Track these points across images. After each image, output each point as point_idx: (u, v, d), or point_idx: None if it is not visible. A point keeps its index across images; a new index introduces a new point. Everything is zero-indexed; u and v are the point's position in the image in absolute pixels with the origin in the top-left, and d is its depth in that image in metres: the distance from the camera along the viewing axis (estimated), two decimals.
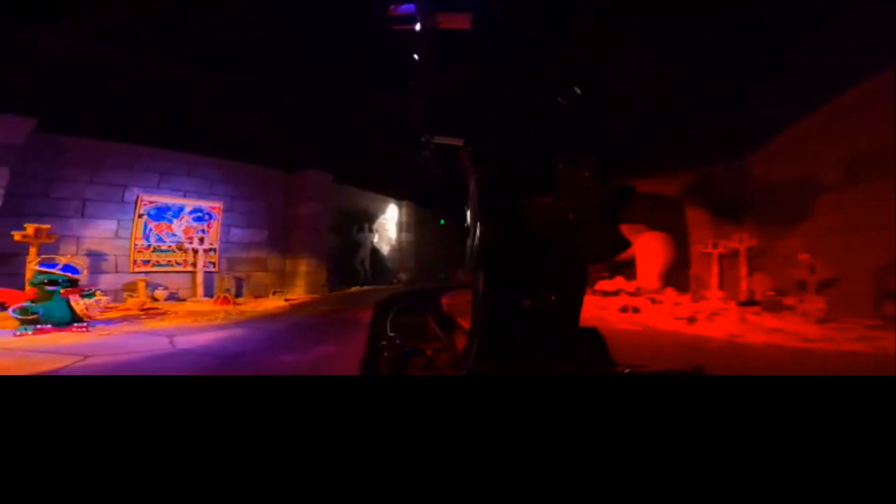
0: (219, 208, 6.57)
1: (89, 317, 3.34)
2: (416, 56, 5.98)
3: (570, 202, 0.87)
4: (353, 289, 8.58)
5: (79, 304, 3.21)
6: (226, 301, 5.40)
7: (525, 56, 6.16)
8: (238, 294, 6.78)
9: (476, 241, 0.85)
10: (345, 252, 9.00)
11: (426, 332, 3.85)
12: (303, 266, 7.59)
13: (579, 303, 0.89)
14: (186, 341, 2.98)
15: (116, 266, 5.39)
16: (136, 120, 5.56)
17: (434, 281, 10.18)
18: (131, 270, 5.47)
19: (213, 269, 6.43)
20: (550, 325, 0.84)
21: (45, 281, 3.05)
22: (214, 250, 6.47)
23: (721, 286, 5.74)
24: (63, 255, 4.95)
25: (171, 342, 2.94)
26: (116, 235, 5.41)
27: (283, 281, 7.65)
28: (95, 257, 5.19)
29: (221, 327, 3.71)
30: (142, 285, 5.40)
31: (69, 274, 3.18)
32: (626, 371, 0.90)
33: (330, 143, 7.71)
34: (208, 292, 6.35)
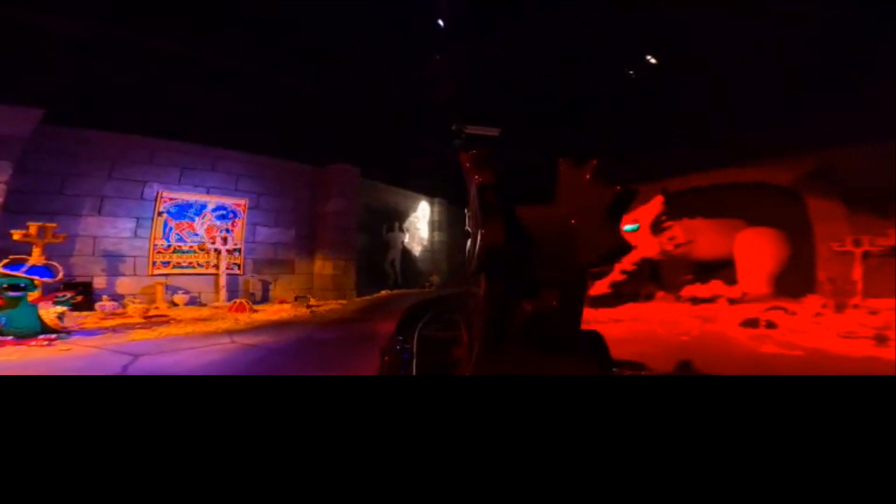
0: (244, 206, 6.11)
1: (63, 327, 2.80)
2: (440, 22, 5.03)
3: (571, 206, 0.79)
4: (383, 293, 7.87)
5: (48, 312, 2.67)
6: (240, 308, 4.81)
7: (578, 20, 4.99)
8: (264, 298, 6.29)
9: (477, 245, 0.75)
10: (374, 253, 8.31)
11: (458, 347, 3.05)
12: (330, 268, 6.95)
13: (580, 306, 0.81)
14: (148, 365, 2.27)
15: (135, 268, 5.03)
16: (157, 111, 5.22)
17: (468, 284, 9.16)
18: (150, 273, 5.09)
19: (237, 272, 5.96)
20: (551, 328, 0.77)
21: (5, 285, 2.54)
22: (239, 251, 6.00)
23: (867, 292, 4.12)
24: (80, 255, 4.67)
25: (128, 366, 2.23)
26: (135, 235, 5.05)
27: (311, 284, 7.08)
28: (112, 258, 4.85)
29: (214, 342, 3.02)
30: (160, 289, 5.00)
31: (35, 277, 2.65)
32: (627, 373, 0.92)
33: (357, 134, 7.04)
34: (232, 296, 5.88)
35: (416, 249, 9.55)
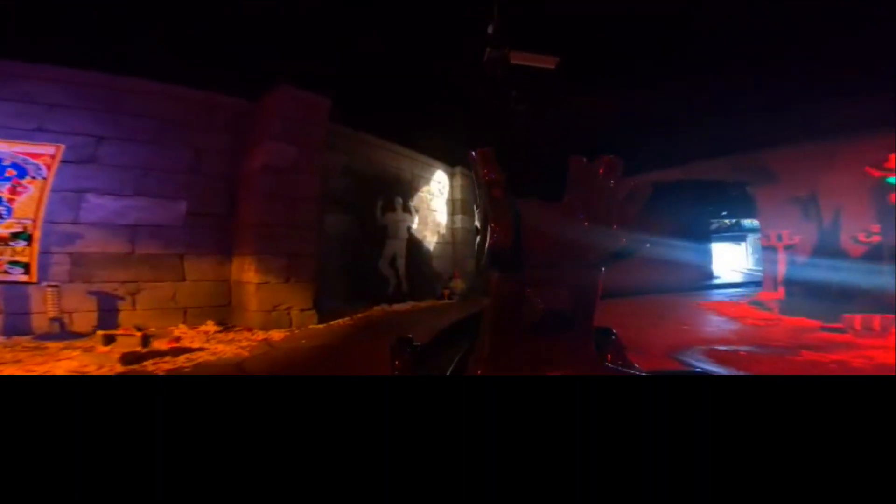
0: (50, 157, 2.92)
1: None
2: None
3: (583, 203, 0.75)
4: (376, 309, 4.43)
5: None
6: None
7: None
8: (107, 323, 2.98)
9: (487, 242, 0.69)
10: (363, 245, 4.80)
11: None
12: (257, 272, 3.49)
13: (593, 304, 0.77)
14: None
15: None
16: None
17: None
18: None
19: (19, 277, 2.74)
20: (563, 325, 0.74)
21: None
22: (27, 238, 2.79)
23: None
24: None
25: None
26: None
27: (224, 299, 3.71)
28: None
29: None
30: None
31: None
32: (636, 372, 0.86)
33: (328, 45, 3.38)
34: (11, 322, 2.67)
35: (430, 241, 5.81)
